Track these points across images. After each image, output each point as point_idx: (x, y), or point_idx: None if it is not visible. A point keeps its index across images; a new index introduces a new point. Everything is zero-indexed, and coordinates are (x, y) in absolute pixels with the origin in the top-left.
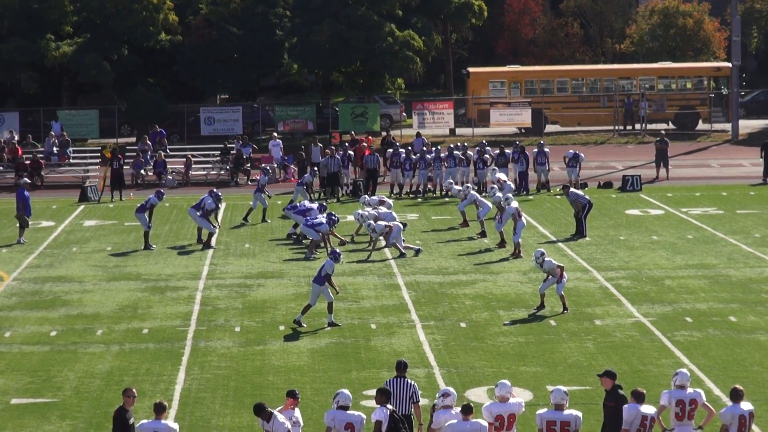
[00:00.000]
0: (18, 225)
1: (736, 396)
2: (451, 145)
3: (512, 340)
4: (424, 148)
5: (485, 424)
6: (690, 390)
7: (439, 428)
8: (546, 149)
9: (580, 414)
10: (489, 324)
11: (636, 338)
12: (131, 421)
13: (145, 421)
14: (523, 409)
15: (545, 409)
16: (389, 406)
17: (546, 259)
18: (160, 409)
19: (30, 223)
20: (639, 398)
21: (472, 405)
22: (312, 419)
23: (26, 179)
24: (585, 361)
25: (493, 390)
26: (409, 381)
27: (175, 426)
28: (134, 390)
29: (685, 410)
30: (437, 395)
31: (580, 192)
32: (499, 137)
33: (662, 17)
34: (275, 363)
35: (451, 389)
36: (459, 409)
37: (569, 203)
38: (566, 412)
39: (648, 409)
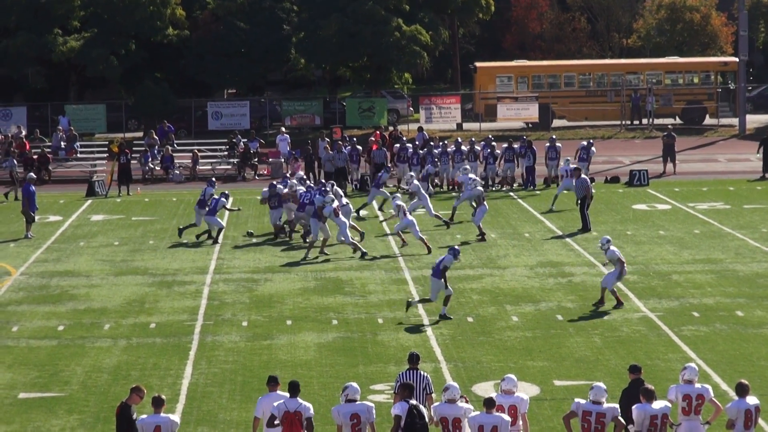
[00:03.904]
0: (25, 220)
1: (741, 390)
2: (459, 140)
3: (519, 335)
4: (431, 143)
5: (508, 418)
6: (697, 385)
7: (438, 419)
8: (558, 144)
9: (616, 405)
10: (496, 318)
11: (643, 333)
12: (135, 416)
13: (144, 416)
14: (527, 406)
15: (584, 400)
16: (411, 401)
17: (611, 247)
18: (158, 403)
19: (37, 217)
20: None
21: (494, 398)
22: (319, 413)
23: (32, 174)
24: (592, 356)
25: (499, 384)
26: (422, 373)
27: (176, 419)
28: (144, 390)
29: (691, 405)
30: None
31: (589, 182)
32: (506, 132)
33: (669, 12)
34: (282, 357)
35: (453, 384)
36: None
37: (574, 187)
38: (604, 405)
39: (657, 405)
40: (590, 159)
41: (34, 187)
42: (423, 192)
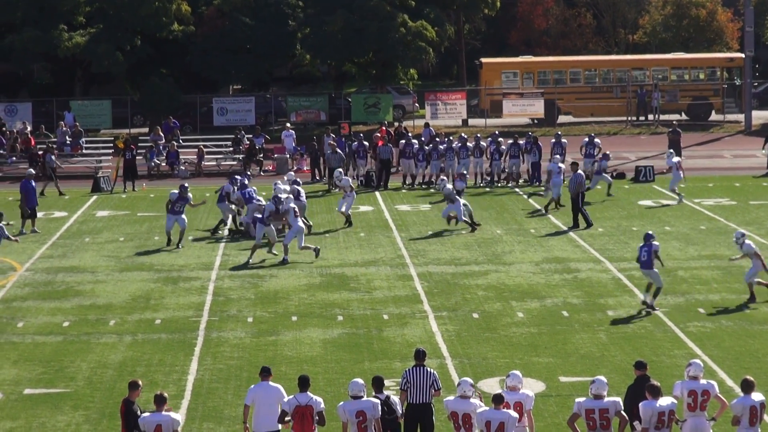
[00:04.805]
0: (20, 215)
1: (747, 387)
2: (463, 135)
3: (525, 331)
4: (437, 139)
5: (515, 414)
6: (703, 381)
7: (449, 414)
8: (563, 140)
9: (618, 399)
10: (501, 315)
11: (649, 329)
12: (138, 412)
13: (146, 414)
14: (532, 402)
15: (584, 398)
16: (381, 396)
17: (746, 241)
18: (160, 401)
19: (42, 213)
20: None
21: (503, 394)
22: (325, 410)
23: (31, 170)
24: (597, 352)
25: (504, 380)
26: (429, 369)
27: (178, 417)
28: (140, 382)
29: (697, 401)
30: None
31: (583, 177)
32: (511, 128)
33: (675, 8)
34: (288, 353)
35: (466, 379)
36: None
37: (568, 182)
38: (605, 399)
39: (664, 401)
40: (598, 153)
41: (34, 183)
42: (353, 192)
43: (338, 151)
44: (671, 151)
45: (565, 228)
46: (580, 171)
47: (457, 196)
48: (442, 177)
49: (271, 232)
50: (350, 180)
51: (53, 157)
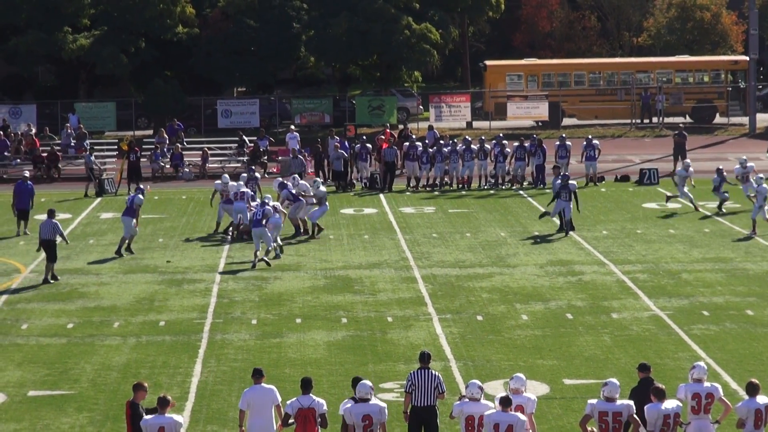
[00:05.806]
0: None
1: (752, 390)
2: (467, 138)
3: (529, 333)
4: (441, 141)
5: (523, 417)
6: (707, 384)
7: (464, 418)
8: (568, 143)
9: (631, 402)
10: (505, 317)
11: (653, 332)
12: (143, 414)
13: (148, 417)
14: (534, 406)
15: (596, 400)
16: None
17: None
18: (163, 404)
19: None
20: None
21: (510, 396)
22: (329, 412)
23: (26, 172)
24: (602, 355)
25: (508, 383)
26: (434, 372)
27: (180, 419)
28: (145, 384)
29: (701, 404)
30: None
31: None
32: (516, 130)
33: (680, 11)
34: (292, 356)
35: (475, 381)
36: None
37: (553, 186)
38: (618, 402)
39: (670, 404)
40: (599, 152)
41: (31, 183)
42: (311, 201)
43: (299, 156)
44: (744, 158)
45: (573, 231)
46: (563, 174)
47: (325, 200)
48: (315, 179)
49: (266, 236)
50: (308, 186)
51: (93, 158)
